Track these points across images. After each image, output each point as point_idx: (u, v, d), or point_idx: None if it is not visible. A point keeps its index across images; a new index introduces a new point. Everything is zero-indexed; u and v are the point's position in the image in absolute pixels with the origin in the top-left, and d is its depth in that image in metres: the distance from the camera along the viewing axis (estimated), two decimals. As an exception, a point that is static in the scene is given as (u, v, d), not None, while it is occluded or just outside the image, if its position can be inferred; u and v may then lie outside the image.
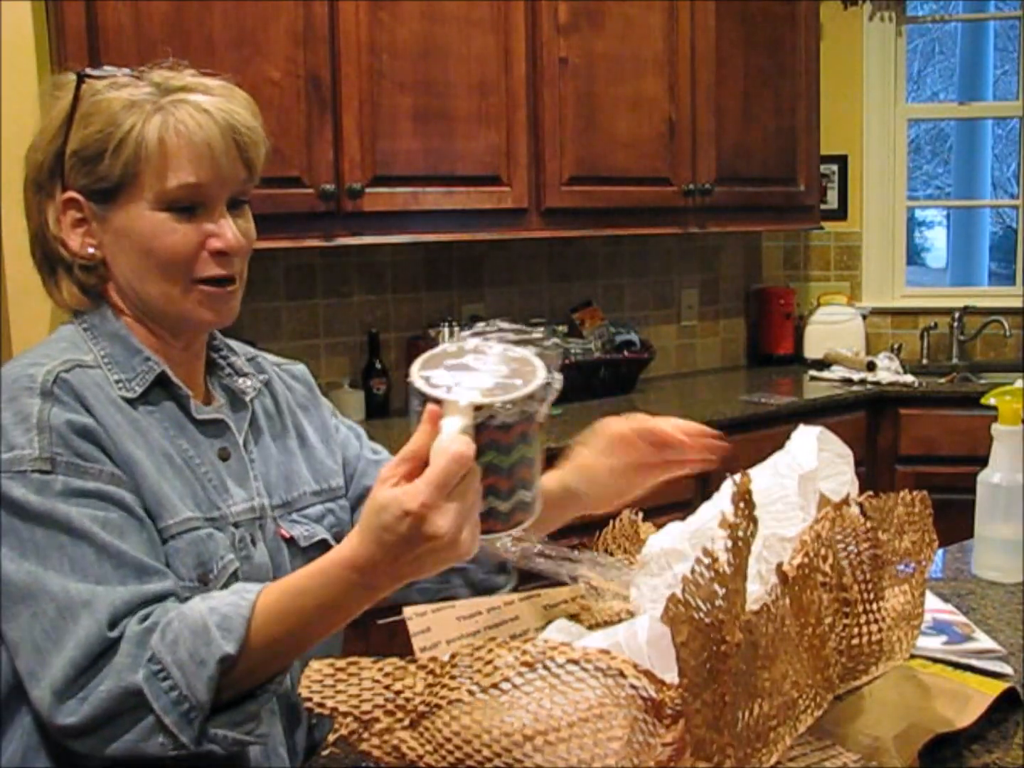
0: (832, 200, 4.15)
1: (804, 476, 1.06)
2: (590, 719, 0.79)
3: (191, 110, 1.12)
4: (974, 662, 1.27)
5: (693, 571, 0.78)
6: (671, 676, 0.82)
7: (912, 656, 1.19)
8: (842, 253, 4.23)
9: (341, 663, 0.85)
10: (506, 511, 0.94)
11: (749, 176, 3.58)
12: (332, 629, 1.02)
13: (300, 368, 1.38)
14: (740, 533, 0.81)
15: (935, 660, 1.27)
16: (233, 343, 1.31)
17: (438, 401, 0.91)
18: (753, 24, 3.55)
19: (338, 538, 1.27)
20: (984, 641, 1.33)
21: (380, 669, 0.84)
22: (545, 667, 0.81)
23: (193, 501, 1.13)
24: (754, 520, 0.83)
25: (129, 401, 1.12)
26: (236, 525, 1.16)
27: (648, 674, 0.81)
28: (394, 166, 2.79)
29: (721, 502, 1.11)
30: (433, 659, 0.84)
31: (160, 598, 1.03)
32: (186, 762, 1.02)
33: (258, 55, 2.54)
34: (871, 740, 1.04)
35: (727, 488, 1.12)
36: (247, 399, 1.24)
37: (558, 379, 0.96)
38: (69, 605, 0.99)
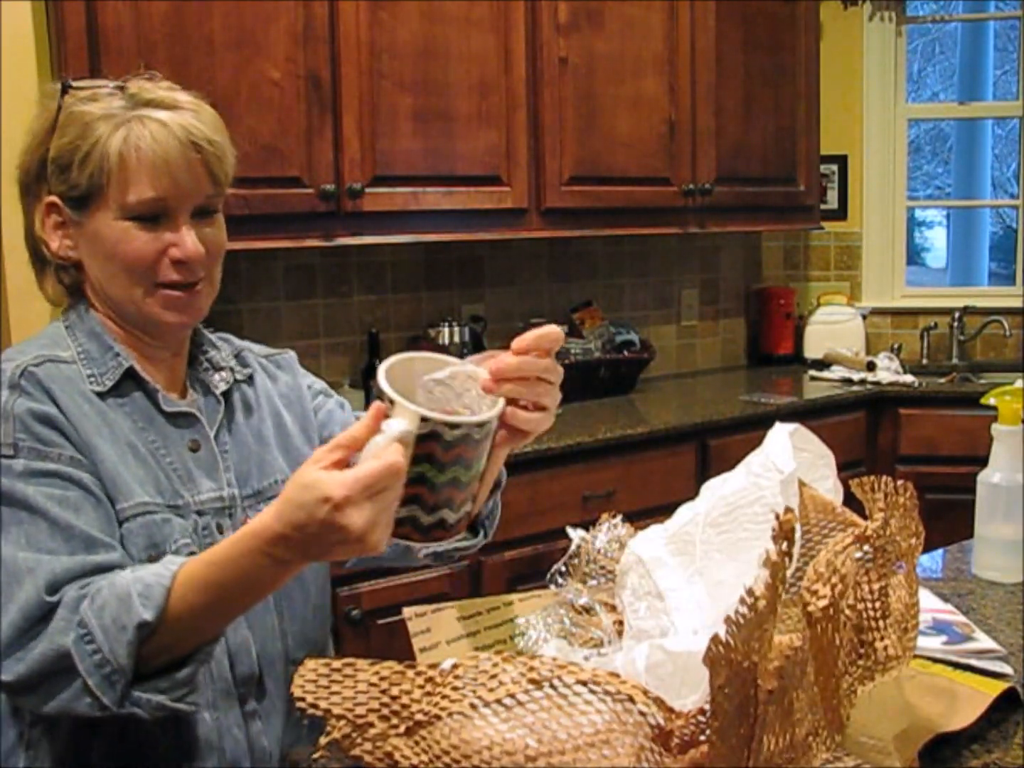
0: (832, 200, 4.15)
1: (785, 481, 1.03)
2: (596, 744, 0.77)
3: (153, 126, 1.18)
4: (974, 662, 1.27)
5: (736, 611, 0.75)
6: (675, 705, 0.81)
7: (912, 656, 1.19)
8: (842, 253, 4.23)
9: (337, 663, 0.83)
10: (426, 524, 0.97)
11: (749, 176, 3.58)
12: (250, 601, 1.06)
13: (286, 357, 1.43)
14: (781, 575, 0.79)
15: (935, 660, 1.27)
16: (223, 337, 1.37)
17: (392, 401, 0.93)
18: (753, 24, 3.55)
19: None
20: (984, 641, 1.32)
21: (376, 672, 0.82)
22: (552, 686, 0.79)
23: (155, 488, 1.19)
24: (791, 557, 0.81)
25: (100, 394, 1.20)
26: (200, 513, 1.22)
27: (658, 701, 0.79)
28: (394, 166, 2.79)
29: (698, 505, 1.10)
30: (432, 666, 0.83)
31: (104, 568, 1.08)
32: (139, 736, 1.13)
33: (258, 55, 2.54)
34: (871, 740, 1.03)
35: (705, 491, 1.11)
36: (218, 392, 1.29)
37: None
38: (16, 572, 1.06)
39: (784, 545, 0.80)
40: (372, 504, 0.91)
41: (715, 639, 0.74)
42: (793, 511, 0.82)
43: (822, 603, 0.86)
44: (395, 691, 0.82)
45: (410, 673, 0.82)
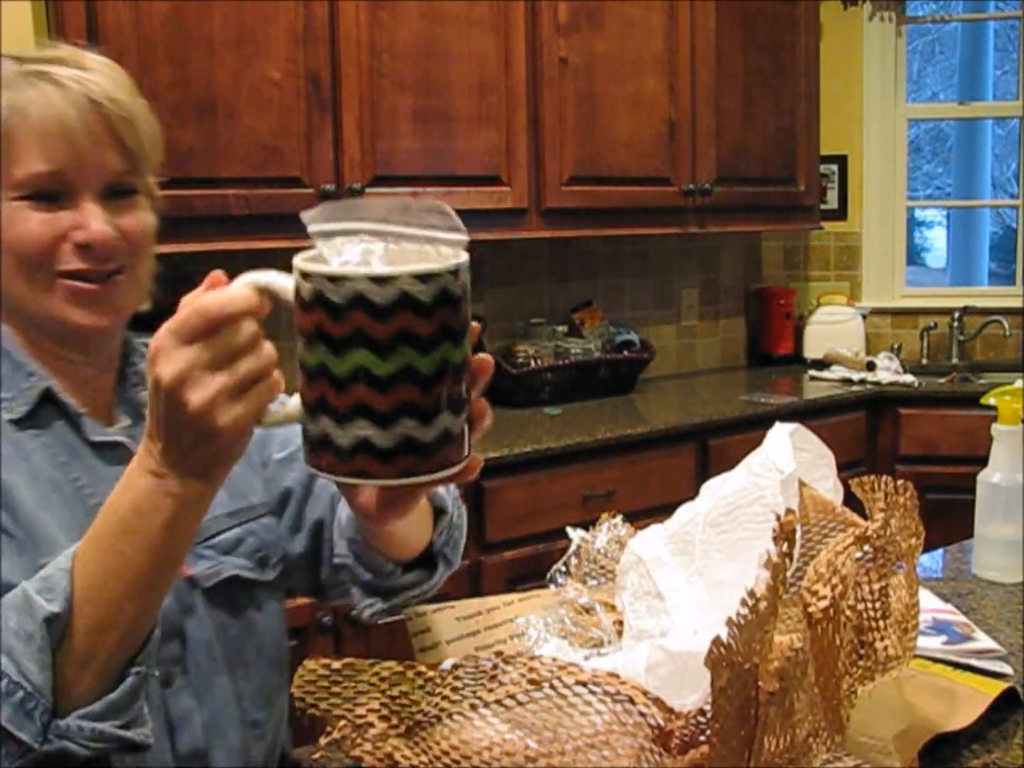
0: (832, 200, 4.15)
1: (785, 481, 1.01)
2: (596, 745, 0.76)
3: (46, 86, 0.99)
4: (974, 662, 1.27)
5: (738, 613, 0.74)
6: (675, 705, 0.81)
7: (912, 656, 1.19)
8: (842, 253, 4.23)
9: (337, 664, 0.83)
10: (386, 447, 0.70)
11: (749, 176, 3.58)
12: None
13: None
14: (782, 576, 0.79)
15: (935, 660, 1.27)
16: (147, 343, 1.16)
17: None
18: (753, 24, 3.55)
19: (263, 563, 1.13)
20: (984, 641, 1.32)
21: (376, 672, 0.82)
22: (552, 687, 0.78)
23: (81, 534, 0.93)
24: (791, 558, 0.81)
25: (15, 423, 1.01)
26: None
27: (658, 702, 0.79)
28: (394, 166, 2.79)
29: (698, 505, 1.10)
30: (433, 666, 0.83)
31: None
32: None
33: (258, 55, 2.54)
34: (871, 740, 1.04)
35: (705, 491, 1.11)
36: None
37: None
38: None
39: (785, 546, 0.80)
40: (183, 352, 0.74)
41: (716, 641, 0.74)
42: (794, 512, 0.82)
43: (822, 604, 0.86)
44: (395, 691, 0.82)
45: (410, 673, 0.82)
